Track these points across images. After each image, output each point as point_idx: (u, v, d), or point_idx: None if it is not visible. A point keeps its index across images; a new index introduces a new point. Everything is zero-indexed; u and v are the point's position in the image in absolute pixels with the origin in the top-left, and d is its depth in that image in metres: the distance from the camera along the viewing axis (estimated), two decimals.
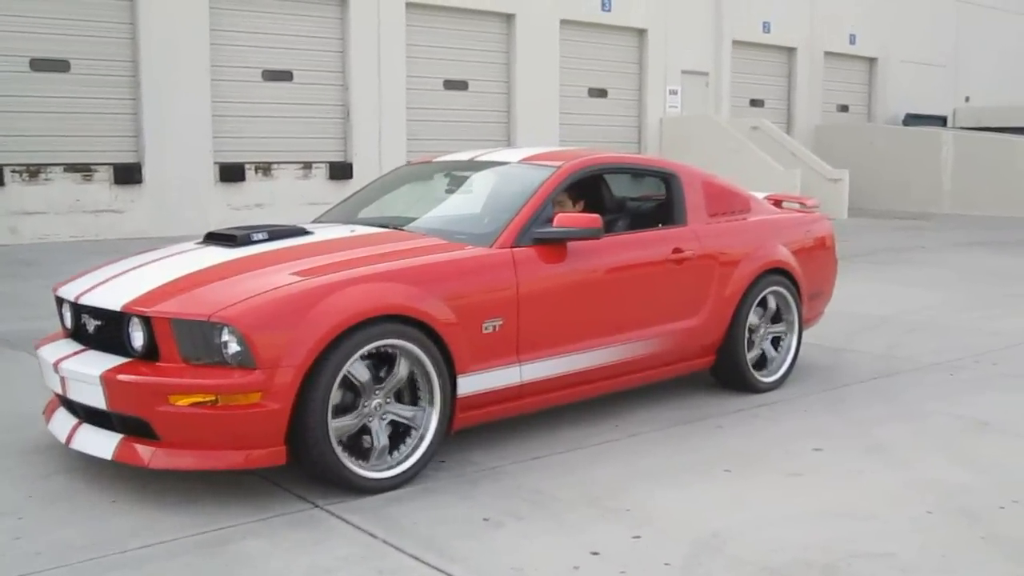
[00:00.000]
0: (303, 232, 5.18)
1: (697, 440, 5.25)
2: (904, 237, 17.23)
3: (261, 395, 4.03)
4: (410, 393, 4.55)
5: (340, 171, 16.98)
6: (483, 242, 4.99)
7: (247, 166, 16.15)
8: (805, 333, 7.31)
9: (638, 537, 3.95)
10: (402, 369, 4.45)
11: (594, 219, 5.09)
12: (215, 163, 15.79)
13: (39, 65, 14.19)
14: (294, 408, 4.11)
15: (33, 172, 14.17)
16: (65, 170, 14.46)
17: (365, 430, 4.39)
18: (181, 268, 4.65)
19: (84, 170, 14.62)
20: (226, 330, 4.06)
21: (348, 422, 4.31)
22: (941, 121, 27.64)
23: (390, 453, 4.43)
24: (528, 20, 19.53)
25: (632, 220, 6.12)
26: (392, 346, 4.38)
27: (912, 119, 27.10)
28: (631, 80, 21.91)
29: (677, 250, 5.73)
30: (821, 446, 5.13)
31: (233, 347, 4.06)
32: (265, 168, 16.33)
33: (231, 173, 15.90)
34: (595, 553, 3.79)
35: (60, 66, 14.37)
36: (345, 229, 5.41)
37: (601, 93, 21.33)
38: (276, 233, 5.06)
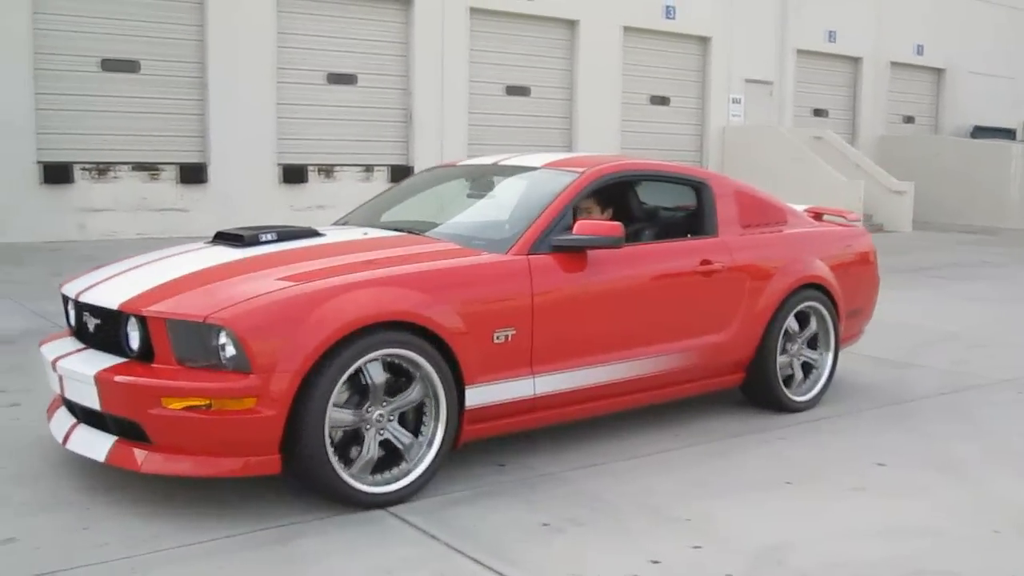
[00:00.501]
0: (314, 234, 5.08)
1: (759, 451, 5.20)
2: (970, 251, 16.94)
3: (256, 401, 3.91)
4: (415, 420, 4.39)
5: (401, 174, 17.07)
6: (498, 248, 4.82)
7: (309, 168, 16.31)
8: (864, 348, 7.23)
9: (698, 547, 3.92)
10: (415, 392, 4.31)
11: (615, 227, 4.90)
12: (278, 164, 15.97)
13: (109, 65, 14.46)
14: (290, 416, 3.98)
15: (102, 170, 14.44)
16: (133, 169, 14.72)
17: (358, 438, 4.22)
18: (184, 267, 4.56)
19: (151, 169, 14.87)
20: (222, 332, 3.95)
21: (346, 417, 4.16)
22: (1010, 134, 27.13)
23: (374, 472, 4.23)
24: (591, 27, 19.52)
25: (661, 230, 5.91)
26: (398, 356, 4.23)
27: (979, 132, 26.65)
28: (693, 88, 21.81)
29: (705, 262, 5.53)
30: (885, 461, 5.05)
31: (229, 350, 3.94)
32: (327, 170, 16.48)
33: (294, 175, 16.07)
34: (655, 562, 3.77)
35: (130, 66, 14.63)
36: (358, 232, 5.29)
37: (663, 101, 21.25)
38: (286, 234, 4.96)
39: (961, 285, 12.36)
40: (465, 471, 4.71)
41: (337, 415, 4.11)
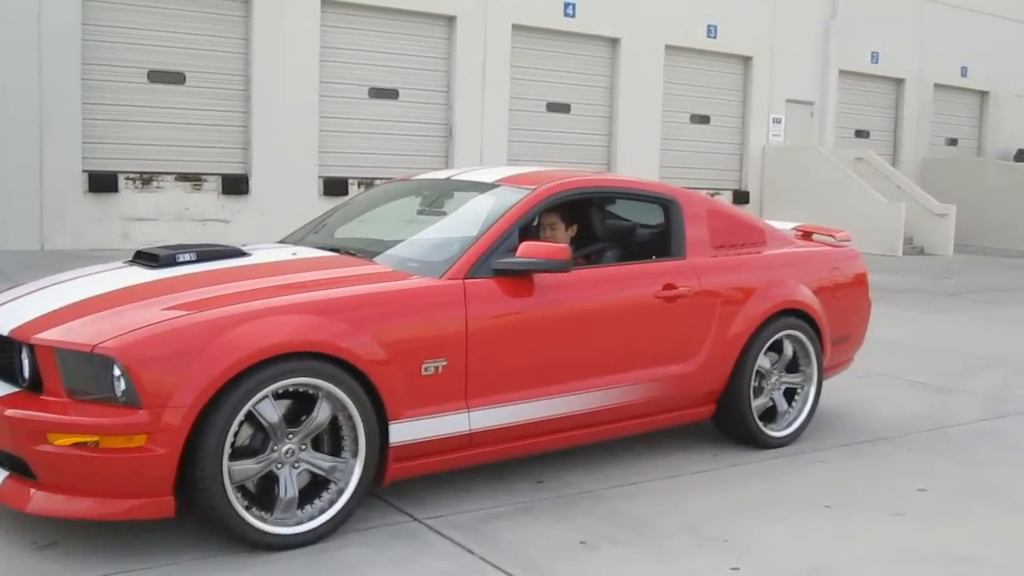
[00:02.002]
0: (239, 253, 4.77)
1: (797, 473, 5.18)
2: (1012, 276, 16.76)
3: (146, 438, 3.60)
4: (332, 441, 4.07)
5: None
6: (432, 272, 4.47)
7: (350, 181, 16.43)
8: (904, 373, 7.16)
9: (736, 569, 3.90)
10: (322, 413, 3.96)
11: (561, 250, 4.54)
12: (319, 177, 16.11)
13: (156, 77, 14.66)
14: (184, 454, 3.67)
15: (146, 180, 14.63)
16: (176, 179, 14.90)
17: (275, 478, 3.93)
18: (88, 290, 4.26)
19: (194, 179, 15.04)
20: (109, 363, 3.65)
21: (250, 466, 3.84)
22: None
23: (301, 507, 3.97)
24: (633, 45, 19.54)
25: (624, 251, 5.49)
26: (310, 386, 3.92)
27: (1023, 155, 26.38)
28: (734, 107, 21.76)
29: (669, 286, 5.12)
30: (925, 486, 5.01)
31: (119, 383, 3.65)
32: (368, 183, 16.57)
33: (335, 187, 16.18)
34: None
35: (176, 78, 14.83)
36: (287, 251, 5.01)
37: (703, 120, 21.22)
38: (206, 254, 4.63)
39: (1003, 310, 12.24)
40: (503, 487, 4.73)
41: (239, 467, 3.80)
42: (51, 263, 12.21)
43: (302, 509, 3.97)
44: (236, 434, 3.78)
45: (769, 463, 5.32)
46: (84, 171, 14.10)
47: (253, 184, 15.46)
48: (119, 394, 3.65)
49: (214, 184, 15.21)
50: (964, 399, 7.02)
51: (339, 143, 16.39)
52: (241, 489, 3.83)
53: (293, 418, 3.97)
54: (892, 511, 4.63)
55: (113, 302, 4.06)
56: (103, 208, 14.29)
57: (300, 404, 3.98)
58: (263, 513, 3.88)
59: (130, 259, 4.80)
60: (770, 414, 5.66)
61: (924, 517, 4.58)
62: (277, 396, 3.88)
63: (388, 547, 3.98)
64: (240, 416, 3.75)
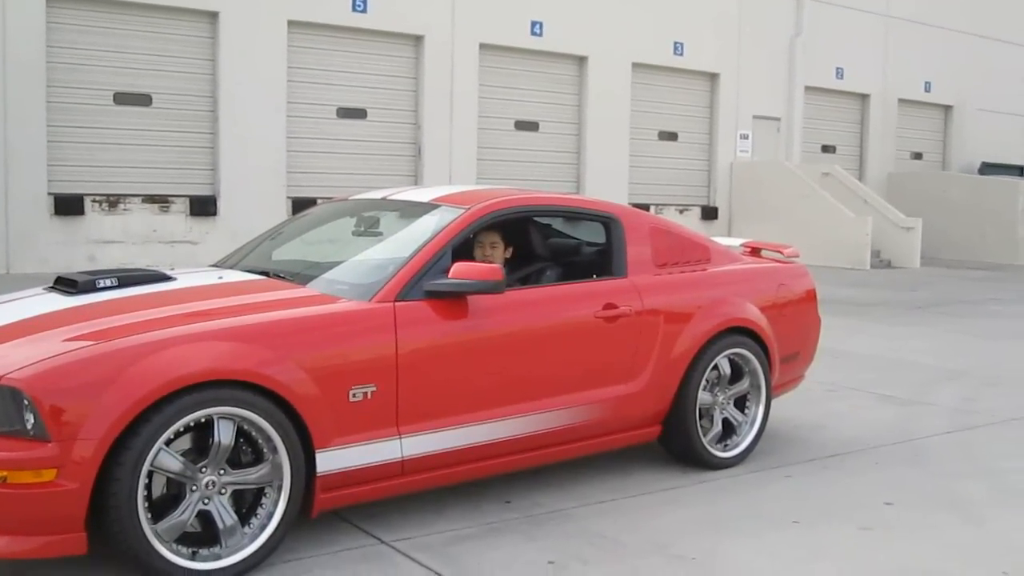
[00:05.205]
0: (163, 278, 4.63)
1: (766, 489, 5.18)
2: (978, 288, 16.92)
3: (56, 472, 3.44)
4: (252, 450, 3.92)
5: None
6: (361, 295, 4.34)
7: (319, 201, 16.37)
8: (871, 385, 7.20)
9: None
10: (223, 435, 3.78)
11: (494, 271, 4.41)
12: (288, 197, 16.07)
13: (122, 99, 14.61)
14: (96, 488, 3.52)
15: (113, 202, 14.53)
16: (143, 201, 14.82)
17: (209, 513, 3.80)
18: (2, 318, 4.14)
19: (161, 201, 14.97)
20: (18, 395, 3.49)
21: (178, 519, 3.71)
22: (1018, 171, 27.14)
23: (245, 525, 3.89)
24: (600, 63, 19.65)
25: (565, 270, 5.43)
26: (230, 415, 3.77)
27: (988, 168, 26.68)
28: (702, 124, 21.91)
29: (610, 305, 5.02)
30: (893, 500, 5.03)
31: (28, 415, 3.48)
32: None
33: (304, 207, 16.08)
34: None
35: (142, 100, 14.78)
36: (213, 276, 4.87)
37: (671, 136, 21.34)
38: (128, 280, 4.50)
39: (970, 322, 12.34)
40: (471, 507, 4.71)
41: (166, 526, 3.68)
42: (16, 287, 12.08)
43: (200, 549, 3.79)
44: (148, 487, 3.62)
45: (737, 479, 5.33)
46: (50, 194, 14.00)
47: (221, 205, 15.41)
48: (28, 427, 3.49)
49: (182, 206, 15.14)
50: (931, 411, 7.06)
51: (307, 163, 16.37)
52: (181, 538, 3.73)
53: (200, 447, 3.81)
54: (860, 525, 4.65)
55: (26, 331, 3.93)
56: (69, 231, 14.18)
57: (201, 433, 3.80)
58: (215, 549, 3.78)
59: (50, 285, 4.66)
60: (728, 428, 5.63)
61: (892, 531, 4.60)
62: (176, 435, 3.70)
63: (356, 571, 3.95)
64: (154, 450, 3.59)
